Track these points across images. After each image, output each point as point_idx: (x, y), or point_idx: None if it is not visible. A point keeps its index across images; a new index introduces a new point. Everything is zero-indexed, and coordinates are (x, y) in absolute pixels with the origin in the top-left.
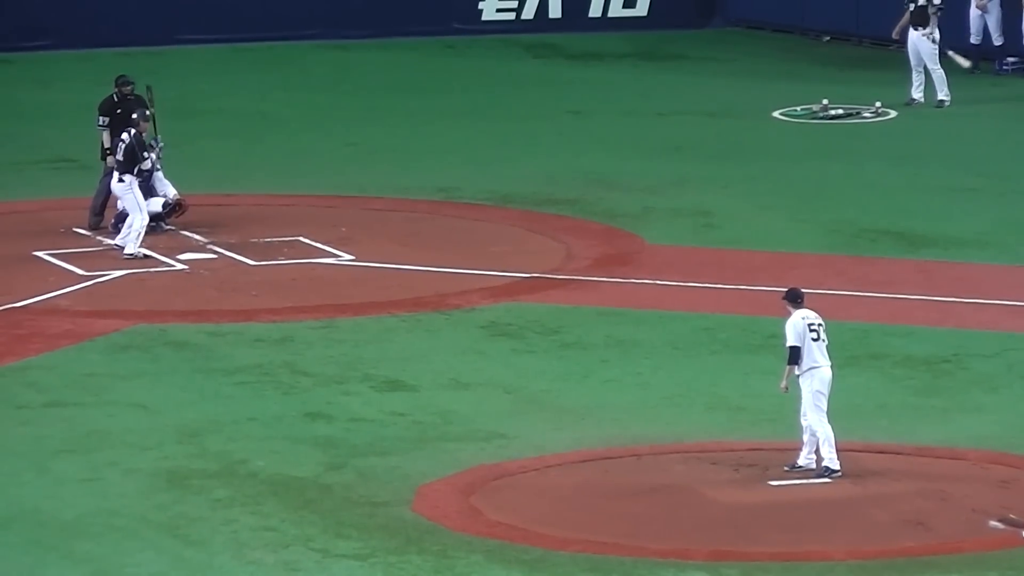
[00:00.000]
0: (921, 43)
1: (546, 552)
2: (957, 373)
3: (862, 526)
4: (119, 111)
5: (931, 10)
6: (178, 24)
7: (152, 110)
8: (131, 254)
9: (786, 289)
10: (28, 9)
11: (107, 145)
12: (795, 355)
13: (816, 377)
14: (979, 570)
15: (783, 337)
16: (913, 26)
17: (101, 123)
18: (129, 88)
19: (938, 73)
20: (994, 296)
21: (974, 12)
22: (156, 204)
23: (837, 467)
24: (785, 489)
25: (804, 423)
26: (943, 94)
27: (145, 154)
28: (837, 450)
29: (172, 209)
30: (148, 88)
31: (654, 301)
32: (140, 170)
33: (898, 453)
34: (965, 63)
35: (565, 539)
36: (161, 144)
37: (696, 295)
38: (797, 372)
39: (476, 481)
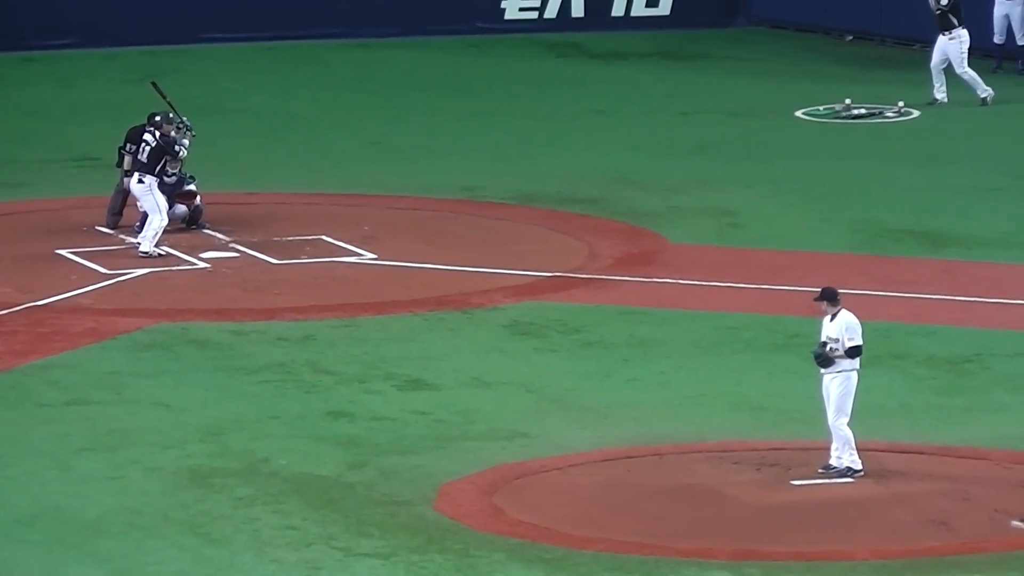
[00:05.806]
0: (950, 48)
1: (568, 551)
2: (980, 373)
3: (884, 526)
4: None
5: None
6: (202, 23)
7: (168, 99)
8: (145, 252)
9: (821, 289)
10: (52, 7)
11: (127, 167)
12: (859, 353)
13: (852, 380)
14: (1002, 570)
15: (843, 333)
16: (941, 31)
17: (127, 149)
18: (167, 129)
19: (968, 75)
20: (1017, 296)
21: (998, 12)
22: (181, 208)
23: (860, 467)
24: (807, 489)
25: (832, 425)
26: (982, 92)
27: (176, 147)
28: (859, 450)
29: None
30: (153, 84)
31: (677, 300)
32: (166, 169)
33: (920, 453)
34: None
35: (587, 538)
36: (189, 123)
37: (719, 294)
38: (824, 372)
39: (498, 480)
